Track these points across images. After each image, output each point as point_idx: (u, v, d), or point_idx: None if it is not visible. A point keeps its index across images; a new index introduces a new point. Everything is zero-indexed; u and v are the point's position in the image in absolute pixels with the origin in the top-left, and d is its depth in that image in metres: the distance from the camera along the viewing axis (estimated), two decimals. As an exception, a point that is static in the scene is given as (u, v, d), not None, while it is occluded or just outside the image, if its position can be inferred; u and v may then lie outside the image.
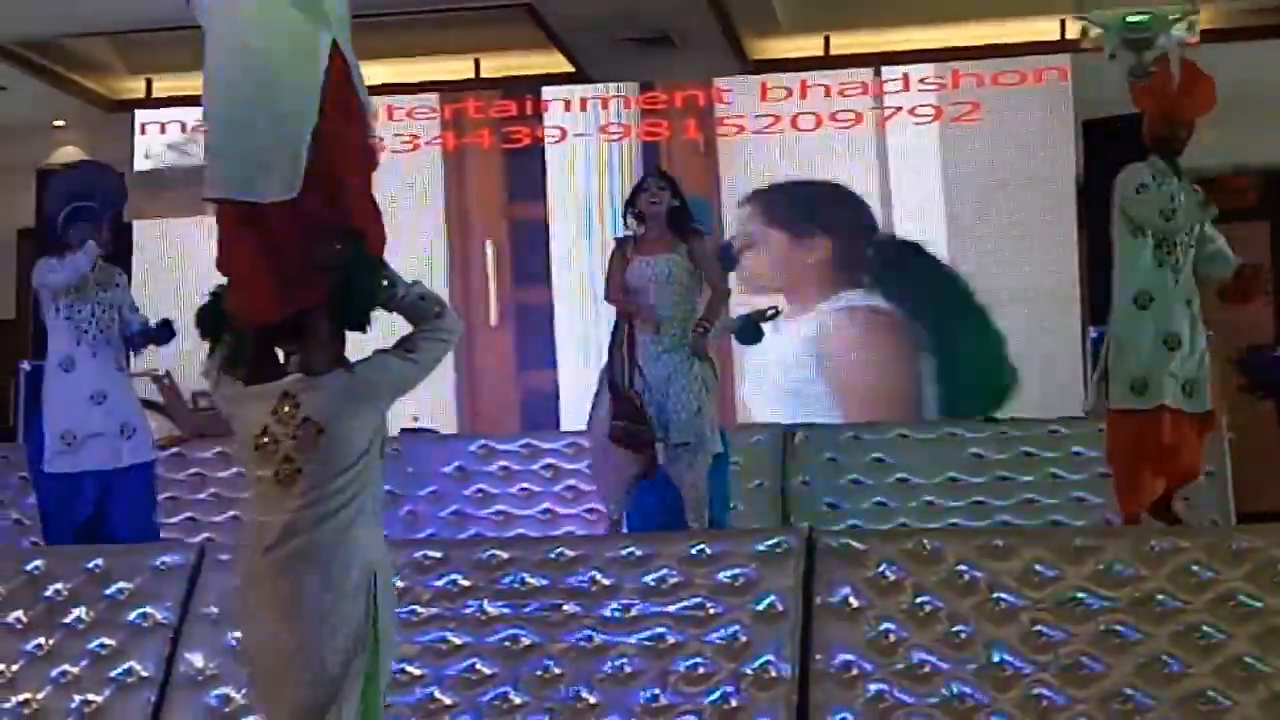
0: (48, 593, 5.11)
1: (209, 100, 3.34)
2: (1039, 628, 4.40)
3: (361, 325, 3.37)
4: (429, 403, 9.74)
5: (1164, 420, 5.82)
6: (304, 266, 3.26)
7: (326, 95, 3.28)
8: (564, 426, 9.51)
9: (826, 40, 10.63)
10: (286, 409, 3.25)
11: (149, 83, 11.52)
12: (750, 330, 7.21)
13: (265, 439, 3.25)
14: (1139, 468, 5.89)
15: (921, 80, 10.25)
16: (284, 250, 3.26)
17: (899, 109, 10.26)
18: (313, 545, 3.24)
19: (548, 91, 10.78)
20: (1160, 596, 4.42)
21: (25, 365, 9.77)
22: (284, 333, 3.34)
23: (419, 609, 4.81)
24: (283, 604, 3.26)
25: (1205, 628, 4.32)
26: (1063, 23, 10.08)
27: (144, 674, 4.84)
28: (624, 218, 6.44)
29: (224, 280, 3.39)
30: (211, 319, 3.41)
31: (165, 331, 6.79)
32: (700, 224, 6.52)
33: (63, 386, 6.62)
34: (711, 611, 4.61)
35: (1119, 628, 4.37)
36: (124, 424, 6.62)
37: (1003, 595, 4.49)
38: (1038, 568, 4.53)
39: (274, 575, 3.27)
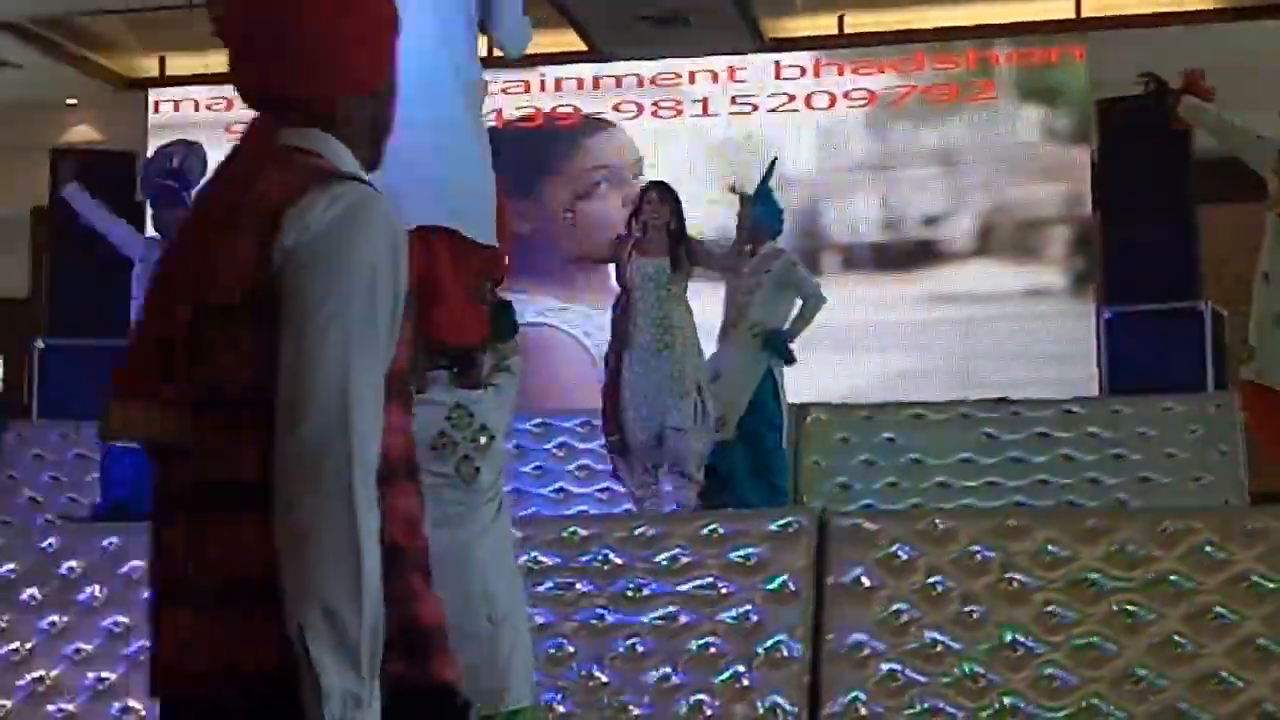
0: (62, 570, 5.13)
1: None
2: (1051, 608, 4.40)
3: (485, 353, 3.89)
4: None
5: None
6: (481, 301, 3.76)
7: None
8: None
9: (840, 19, 10.60)
10: (462, 417, 3.69)
11: (162, 61, 11.51)
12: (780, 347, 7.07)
13: (443, 441, 3.65)
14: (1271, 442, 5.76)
15: (935, 59, 10.22)
16: (478, 285, 3.74)
17: (913, 88, 10.23)
18: (501, 530, 3.70)
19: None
20: (1173, 577, 4.41)
21: (40, 343, 9.79)
22: (460, 354, 3.78)
23: (432, 588, 4.82)
24: (483, 578, 3.58)
25: (1218, 608, 4.32)
26: (1078, 1, 10.04)
27: (158, 651, 4.85)
28: (628, 225, 6.57)
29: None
30: None
31: None
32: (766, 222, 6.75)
33: None
34: (723, 591, 4.61)
35: (1131, 608, 4.37)
36: None
37: (1015, 576, 4.49)
38: (1050, 548, 4.53)
39: (465, 557, 3.56)
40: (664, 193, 6.60)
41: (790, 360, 6.82)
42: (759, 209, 6.73)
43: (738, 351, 6.78)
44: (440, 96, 3.88)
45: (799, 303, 6.79)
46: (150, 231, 6.57)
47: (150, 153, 8.86)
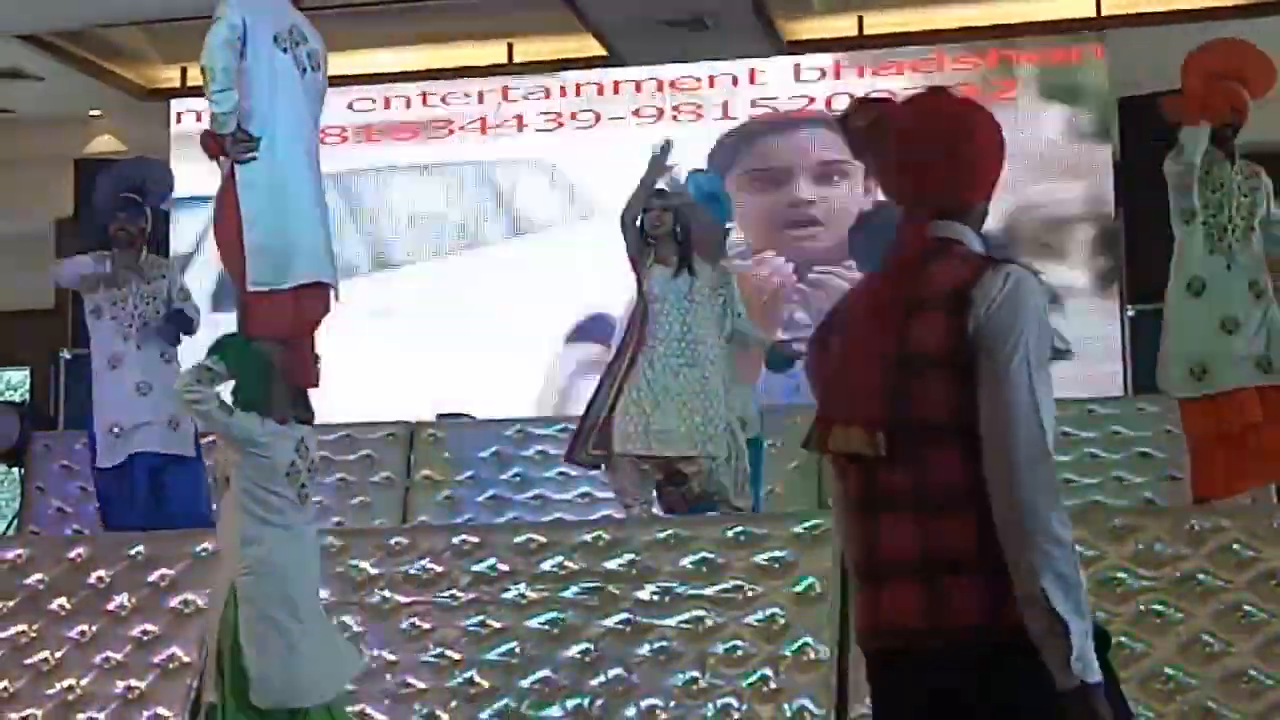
0: (90, 580, 5.15)
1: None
2: (1079, 608, 4.37)
3: None
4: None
5: (1237, 402, 5.74)
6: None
7: None
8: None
9: (860, 20, 10.59)
10: (304, 449, 4.37)
11: (183, 71, 11.56)
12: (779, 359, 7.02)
13: (293, 469, 4.31)
14: (1212, 453, 5.82)
15: (955, 59, 10.21)
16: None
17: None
18: (314, 543, 4.43)
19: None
20: (1201, 576, 4.40)
21: (65, 354, 9.83)
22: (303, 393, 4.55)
23: (458, 593, 4.83)
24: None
25: (1246, 606, 4.31)
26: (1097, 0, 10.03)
27: (186, 659, 4.87)
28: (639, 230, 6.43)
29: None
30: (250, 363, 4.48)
31: (180, 321, 6.76)
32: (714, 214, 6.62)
33: (109, 382, 6.66)
34: (750, 594, 4.61)
35: (1160, 607, 4.35)
36: (170, 416, 6.65)
37: (1042, 575, 4.46)
38: (1077, 547, 4.49)
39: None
40: (668, 201, 6.47)
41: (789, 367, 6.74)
42: (713, 205, 6.64)
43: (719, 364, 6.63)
44: (315, 166, 4.81)
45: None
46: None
47: (171, 162, 8.94)
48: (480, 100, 10.85)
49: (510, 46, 11.10)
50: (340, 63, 11.25)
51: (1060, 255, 9.90)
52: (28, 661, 5.00)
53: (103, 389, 6.69)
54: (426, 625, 4.81)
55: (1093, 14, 10.10)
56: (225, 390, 4.40)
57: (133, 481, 6.57)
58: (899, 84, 10.27)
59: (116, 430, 6.57)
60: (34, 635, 5.06)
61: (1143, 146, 9.15)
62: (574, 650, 4.61)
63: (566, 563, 4.83)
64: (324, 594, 4.81)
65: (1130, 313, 9.27)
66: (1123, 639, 4.30)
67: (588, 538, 4.89)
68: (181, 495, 6.64)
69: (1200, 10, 9.80)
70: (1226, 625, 4.28)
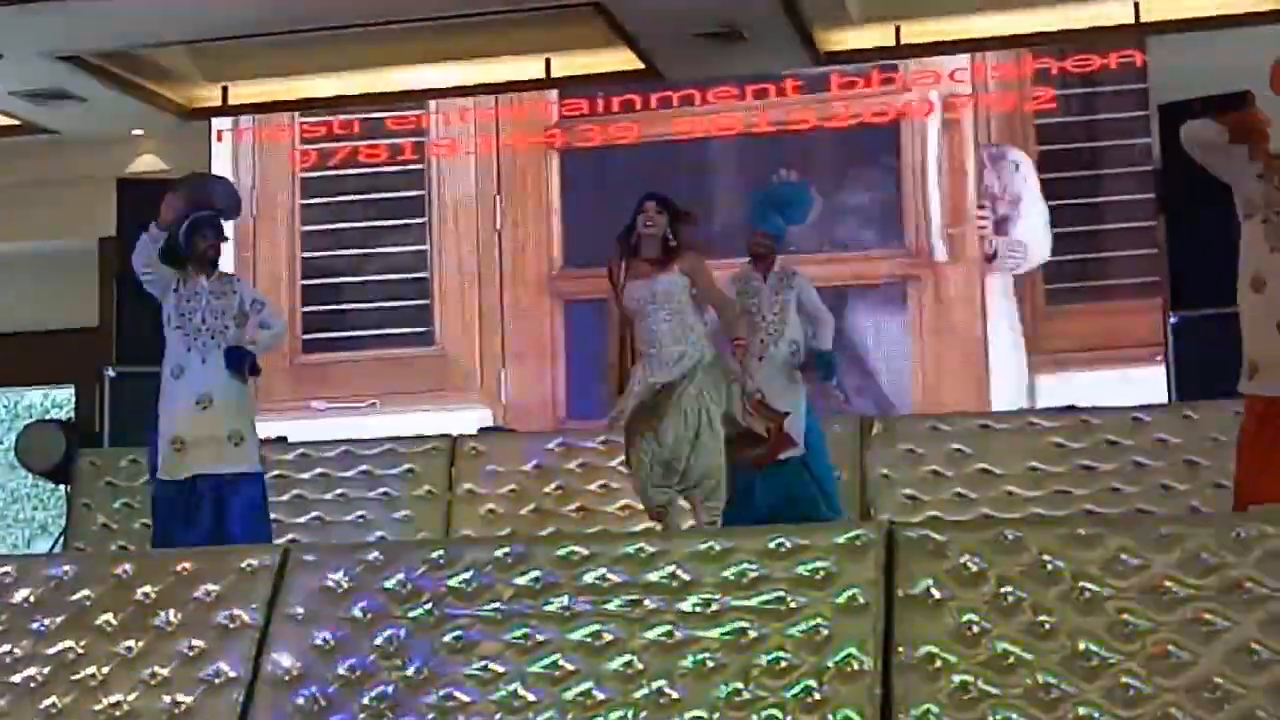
0: (136, 595, 5.18)
1: None
2: (1125, 617, 4.35)
3: None
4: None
5: None
6: None
7: None
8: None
9: (897, 30, 10.57)
10: None
11: (225, 90, 11.65)
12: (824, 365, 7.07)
13: None
14: (1256, 455, 5.72)
15: (993, 68, 10.19)
16: None
17: (972, 96, 10.19)
18: None
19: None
20: (1248, 584, 4.36)
21: (110, 372, 9.91)
22: None
23: (501, 606, 4.83)
24: None
25: (1294, 614, 4.26)
26: (1136, 5, 9.97)
27: (231, 674, 4.89)
28: (627, 235, 6.47)
29: None
30: None
31: (235, 359, 6.77)
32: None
33: (173, 393, 6.72)
34: (792, 605, 4.60)
35: (1207, 615, 4.31)
36: (232, 431, 6.68)
37: (1087, 585, 4.44)
38: (1123, 556, 4.48)
39: None
40: (662, 202, 6.51)
41: (832, 376, 6.81)
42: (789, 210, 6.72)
43: (776, 371, 6.75)
44: None
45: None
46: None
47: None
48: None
49: (548, 62, 11.14)
50: (376, 81, 11.38)
51: (1102, 262, 9.86)
52: (74, 678, 5.02)
53: (166, 399, 6.77)
54: (470, 638, 4.81)
55: (1131, 20, 10.06)
56: None
57: (194, 503, 6.62)
58: (938, 93, 10.25)
59: (178, 445, 6.62)
60: (81, 651, 5.09)
61: (1184, 151, 9.11)
62: (617, 663, 4.61)
63: (609, 575, 4.83)
64: (365, 608, 4.83)
65: (1173, 319, 9.21)
66: (1169, 648, 4.27)
67: (630, 549, 4.89)
68: (243, 514, 6.68)
69: (1240, 15, 9.75)
70: (1274, 633, 4.24)
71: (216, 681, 4.90)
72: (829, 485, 6.88)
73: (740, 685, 4.47)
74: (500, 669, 4.69)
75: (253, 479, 6.76)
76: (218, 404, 6.63)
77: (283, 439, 8.96)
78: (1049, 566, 4.51)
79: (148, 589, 5.19)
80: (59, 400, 13.32)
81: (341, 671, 4.81)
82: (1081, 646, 4.32)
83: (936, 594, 4.52)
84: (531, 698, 4.60)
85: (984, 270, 9.91)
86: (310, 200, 11.07)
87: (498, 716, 4.63)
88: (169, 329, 6.76)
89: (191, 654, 4.98)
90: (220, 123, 11.41)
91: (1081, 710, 4.20)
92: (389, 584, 5.01)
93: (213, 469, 6.60)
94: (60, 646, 5.12)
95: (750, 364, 6.58)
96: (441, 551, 5.12)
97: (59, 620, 5.19)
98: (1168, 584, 4.40)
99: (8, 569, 5.43)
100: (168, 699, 4.89)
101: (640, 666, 4.59)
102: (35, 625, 5.19)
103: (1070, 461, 7.46)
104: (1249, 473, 5.75)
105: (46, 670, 5.06)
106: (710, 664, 4.54)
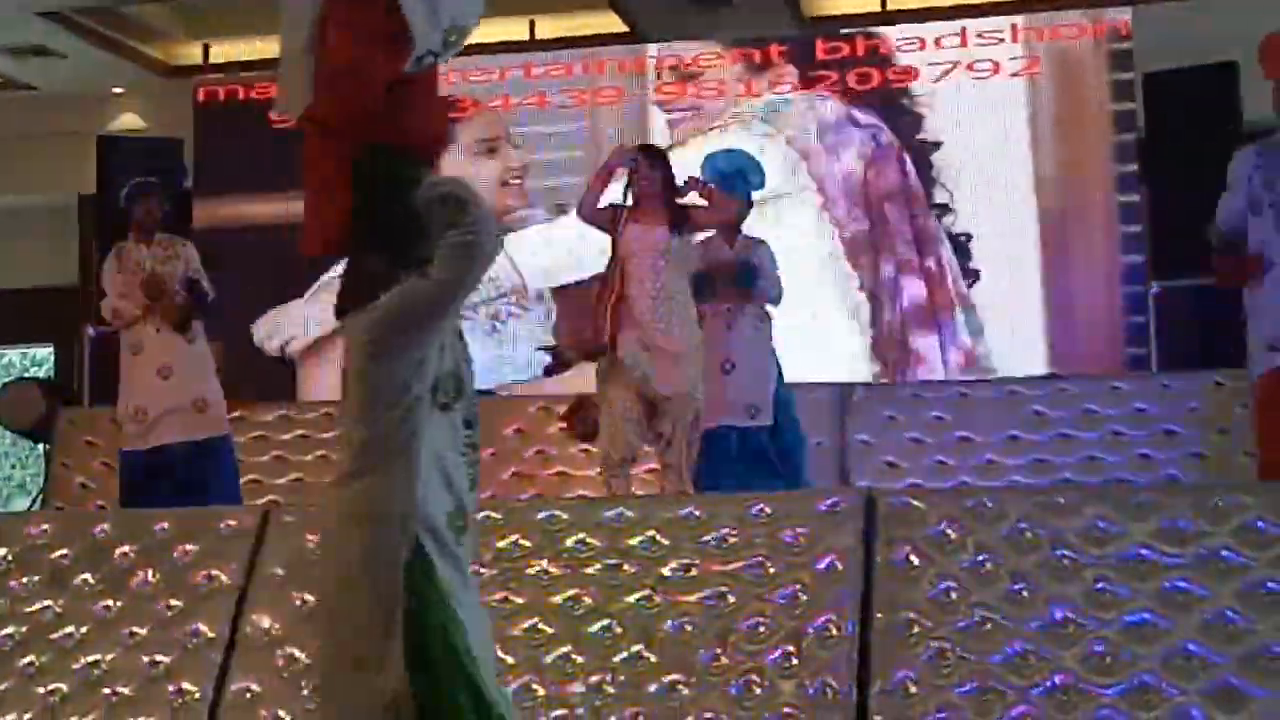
0: (115, 556, 5.17)
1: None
2: (1101, 585, 4.37)
3: (402, 252, 2.90)
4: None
5: None
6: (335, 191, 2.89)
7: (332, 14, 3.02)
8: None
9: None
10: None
11: (206, 48, 11.58)
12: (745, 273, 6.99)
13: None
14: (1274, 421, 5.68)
15: (979, 34, 10.16)
16: (317, 174, 2.96)
17: (955, 64, 10.17)
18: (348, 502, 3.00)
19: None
20: (1224, 553, 4.38)
21: (90, 331, 9.87)
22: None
23: (481, 570, 4.83)
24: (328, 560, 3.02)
25: (1270, 584, 4.29)
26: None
27: (210, 635, 4.89)
28: (624, 195, 6.38)
29: None
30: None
31: (198, 296, 6.75)
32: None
33: (131, 367, 6.69)
34: (772, 571, 4.61)
35: (1182, 584, 4.34)
36: (196, 399, 6.66)
37: (1065, 552, 4.46)
38: (1100, 524, 4.50)
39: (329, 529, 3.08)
40: (654, 157, 6.42)
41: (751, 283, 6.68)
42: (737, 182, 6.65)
43: (742, 339, 6.66)
44: None
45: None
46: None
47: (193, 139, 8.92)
48: (502, 77, 10.84)
49: (532, 24, 11.09)
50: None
51: (1085, 232, 9.86)
52: (53, 637, 5.02)
53: (126, 373, 6.73)
54: (449, 601, 4.81)
55: (1119, -12, 10.05)
56: None
57: (161, 472, 6.60)
58: (923, 59, 10.23)
59: (141, 416, 6.60)
60: (59, 611, 5.08)
61: (1167, 122, 9.11)
62: (596, 627, 4.62)
63: (589, 539, 4.83)
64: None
65: (1155, 289, 9.23)
66: (1145, 616, 4.29)
67: (610, 514, 4.89)
68: (215, 479, 6.67)
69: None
70: (1250, 603, 4.26)
71: (195, 642, 4.89)
72: (797, 456, 6.79)
73: (719, 650, 4.48)
74: (479, 632, 4.69)
75: (221, 441, 6.74)
76: (178, 373, 6.60)
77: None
78: (1028, 534, 4.53)
79: (126, 549, 5.18)
80: (38, 359, 13.28)
81: (320, 633, 4.81)
82: (1059, 614, 4.34)
83: (915, 561, 4.54)
84: (510, 661, 4.61)
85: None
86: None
87: (476, 679, 4.63)
88: (122, 303, 6.70)
89: (170, 614, 4.98)
90: (202, 80, 11.34)
91: (1058, 678, 4.22)
92: (368, 546, 5.00)
93: (177, 439, 6.59)
94: (38, 605, 5.11)
95: (719, 332, 6.53)
96: (421, 514, 5.11)
97: (37, 580, 5.18)
98: (1144, 553, 4.42)
99: (-14, 528, 5.42)
100: (146, 659, 4.89)
101: (619, 631, 4.60)
102: (13, 585, 5.18)
103: (1050, 430, 7.47)
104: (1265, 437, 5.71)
105: (25, 630, 5.06)
106: (689, 629, 4.55)
